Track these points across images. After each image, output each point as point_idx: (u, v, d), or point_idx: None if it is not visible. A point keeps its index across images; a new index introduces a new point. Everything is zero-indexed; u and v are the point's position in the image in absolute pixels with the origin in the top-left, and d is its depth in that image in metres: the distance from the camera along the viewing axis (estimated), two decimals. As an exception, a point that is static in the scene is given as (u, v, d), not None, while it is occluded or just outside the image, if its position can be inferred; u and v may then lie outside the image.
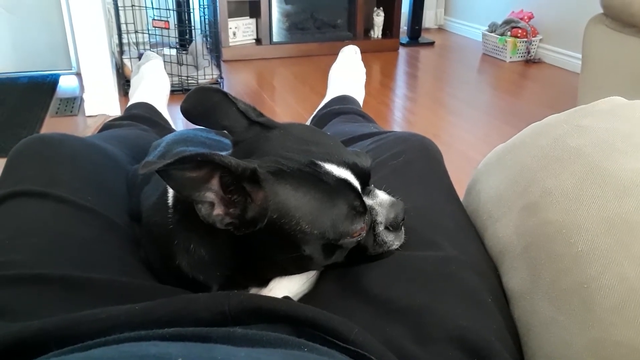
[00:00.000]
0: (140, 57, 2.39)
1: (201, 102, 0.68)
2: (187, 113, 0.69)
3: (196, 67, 3.24)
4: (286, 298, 0.61)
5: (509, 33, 3.99)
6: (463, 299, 0.59)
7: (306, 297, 0.66)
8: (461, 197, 0.85)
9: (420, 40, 4.62)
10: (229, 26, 3.91)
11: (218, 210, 0.58)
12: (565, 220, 0.59)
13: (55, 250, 0.65)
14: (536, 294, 0.60)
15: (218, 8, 3.40)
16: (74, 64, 3.45)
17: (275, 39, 4.07)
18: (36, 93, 3.07)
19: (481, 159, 0.87)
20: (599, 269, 0.53)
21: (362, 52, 1.79)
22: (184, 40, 3.52)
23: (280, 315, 0.50)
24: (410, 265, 0.64)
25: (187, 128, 1.05)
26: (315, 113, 1.51)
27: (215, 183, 0.57)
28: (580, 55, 2.39)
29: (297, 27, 4.22)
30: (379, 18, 4.37)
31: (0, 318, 0.54)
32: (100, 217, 0.73)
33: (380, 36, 4.43)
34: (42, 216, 0.70)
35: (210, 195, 0.57)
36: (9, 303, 0.57)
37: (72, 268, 0.63)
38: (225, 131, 0.70)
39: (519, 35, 3.94)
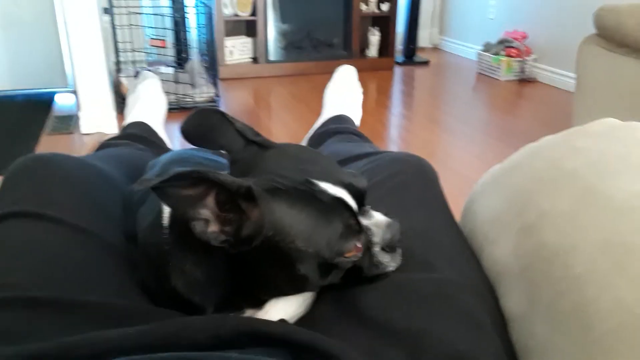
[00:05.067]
0: (137, 75, 2.40)
1: (200, 124, 0.68)
2: (187, 134, 0.69)
3: (193, 86, 3.25)
4: (282, 321, 0.60)
5: (503, 52, 4.03)
6: (461, 322, 0.59)
7: (302, 320, 0.66)
8: (457, 215, 0.85)
9: (416, 59, 4.67)
10: (226, 45, 3.94)
11: (213, 228, 0.57)
12: (562, 243, 0.59)
13: (50, 272, 0.65)
14: (534, 316, 0.60)
15: (215, 27, 3.42)
16: (70, 81, 3.46)
17: (271, 57, 4.10)
18: (32, 111, 3.07)
19: (476, 177, 0.87)
20: (597, 291, 0.53)
21: (358, 71, 1.79)
22: (181, 59, 3.54)
23: (276, 338, 0.50)
24: (407, 288, 0.63)
25: (184, 148, 1.05)
26: (311, 132, 1.52)
27: (210, 200, 0.57)
28: (574, 75, 2.42)
29: (293, 46, 4.25)
30: (374, 37, 4.41)
31: (-7, 341, 0.54)
32: (96, 238, 0.73)
33: (375, 55, 4.47)
34: (36, 237, 0.69)
35: (205, 213, 0.57)
36: (4, 326, 0.56)
37: (67, 290, 0.62)
38: (222, 151, 0.70)
39: (513, 54, 3.98)
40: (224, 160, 0.90)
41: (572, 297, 0.55)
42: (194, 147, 0.83)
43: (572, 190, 0.63)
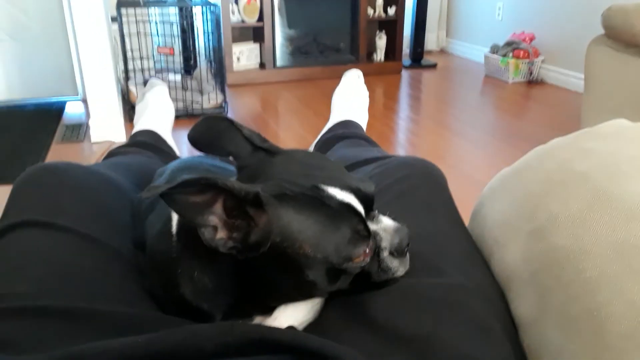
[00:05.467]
0: (145, 83, 2.42)
1: (208, 131, 0.69)
2: (194, 141, 0.69)
3: (201, 92, 3.27)
4: (291, 327, 0.60)
5: (510, 54, 4.01)
6: (471, 327, 0.58)
7: (311, 326, 0.65)
8: (466, 220, 0.85)
9: (423, 62, 4.66)
10: (233, 51, 3.96)
11: (221, 234, 0.57)
12: (573, 246, 0.58)
13: (59, 281, 0.65)
14: (545, 321, 0.59)
15: (222, 34, 3.44)
16: (80, 90, 3.49)
17: (278, 63, 4.11)
18: (43, 120, 3.10)
19: (486, 181, 0.87)
20: (609, 295, 0.53)
21: (365, 75, 1.80)
22: (189, 66, 3.56)
23: (284, 345, 0.50)
24: (416, 293, 0.63)
25: (192, 155, 1.05)
26: (318, 137, 1.52)
27: (218, 207, 0.57)
28: (582, 76, 2.40)
29: (300, 52, 4.26)
30: (381, 41, 4.41)
31: (3, 351, 0.54)
32: (104, 247, 0.73)
33: (382, 59, 4.47)
34: (45, 246, 0.70)
35: (213, 219, 0.57)
36: (13, 335, 0.56)
37: (76, 299, 0.62)
38: (230, 158, 0.70)
39: (520, 56, 3.97)
40: (232, 168, 0.90)
41: (584, 301, 0.55)
42: (202, 154, 0.83)
43: (582, 192, 0.62)
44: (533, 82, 4.00)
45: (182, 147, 2.06)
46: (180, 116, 3.00)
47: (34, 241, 0.70)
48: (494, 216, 0.77)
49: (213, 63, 3.43)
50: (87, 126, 2.82)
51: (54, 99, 3.44)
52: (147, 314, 0.66)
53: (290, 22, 4.14)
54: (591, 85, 2.32)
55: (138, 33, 3.05)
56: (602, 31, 2.22)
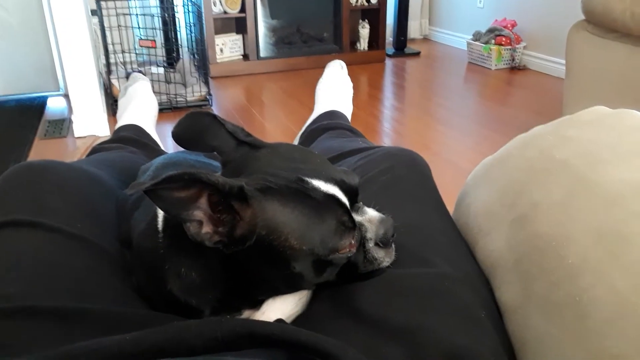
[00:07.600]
0: (128, 76, 2.39)
1: (191, 127, 0.69)
2: (178, 138, 0.69)
3: (184, 85, 3.24)
4: (279, 321, 0.61)
5: (493, 41, 4.03)
6: (457, 316, 0.59)
7: (299, 319, 0.66)
8: (450, 208, 0.85)
9: (406, 50, 4.66)
10: (216, 43, 3.92)
11: (207, 229, 0.58)
12: (555, 233, 0.59)
13: (47, 281, 0.65)
14: (529, 307, 0.60)
15: (204, 25, 3.41)
16: (61, 85, 3.44)
17: (262, 54, 4.09)
18: (24, 116, 3.06)
19: (470, 168, 0.87)
20: (590, 281, 0.54)
21: (348, 65, 1.79)
22: (172, 59, 3.52)
23: (273, 339, 0.50)
24: (403, 283, 0.64)
25: (176, 151, 1.05)
26: (303, 129, 1.51)
27: (203, 202, 0.57)
28: (564, 61, 2.42)
29: (283, 42, 4.24)
30: (364, 30, 4.40)
31: (-6, 353, 0.54)
32: (91, 245, 0.73)
33: (366, 48, 4.46)
34: (33, 246, 0.69)
35: (198, 214, 0.57)
36: (4, 337, 0.56)
37: (65, 299, 0.62)
38: (215, 153, 0.70)
39: (503, 43, 3.98)
40: (217, 163, 0.90)
41: (567, 287, 0.56)
42: (186, 150, 0.83)
43: (563, 180, 0.63)
44: (516, 68, 4.02)
45: (166, 141, 2.05)
46: (164, 109, 2.97)
47: (22, 241, 0.70)
48: (477, 205, 0.78)
49: (196, 55, 3.41)
50: (70, 121, 2.79)
51: (36, 95, 3.39)
52: (136, 311, 0.66)
53: (272, 13, 4.12)
54: (572, 70, 2.33)
55: (119, 26, 3.02)
56: (582, 17, 2.23)
